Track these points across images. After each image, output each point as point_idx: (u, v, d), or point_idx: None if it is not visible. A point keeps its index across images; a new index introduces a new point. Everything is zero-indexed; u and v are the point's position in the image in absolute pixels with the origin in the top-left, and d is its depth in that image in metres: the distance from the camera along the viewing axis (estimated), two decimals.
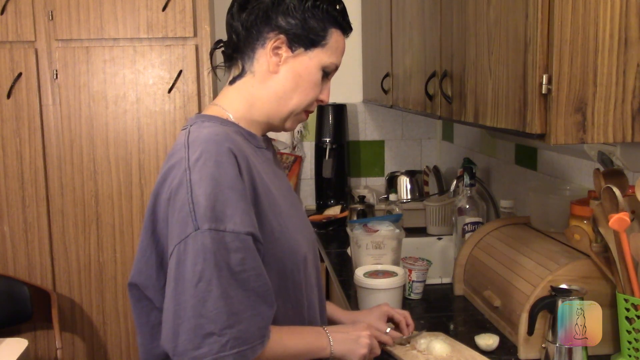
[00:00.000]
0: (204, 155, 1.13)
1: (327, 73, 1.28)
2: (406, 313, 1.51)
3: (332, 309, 1.51)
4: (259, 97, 1.26)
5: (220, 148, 1.14)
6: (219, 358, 1.07)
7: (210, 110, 1.28)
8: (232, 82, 1.29)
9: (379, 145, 3.26)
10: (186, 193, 1.10)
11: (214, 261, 1.07)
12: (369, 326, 1.35)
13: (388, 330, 1.45)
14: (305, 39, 1.23)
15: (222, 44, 1.32)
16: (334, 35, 1.26)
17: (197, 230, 1.08)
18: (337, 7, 1.26)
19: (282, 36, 1.23)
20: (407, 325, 1.49)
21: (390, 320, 1.50)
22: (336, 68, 1.30)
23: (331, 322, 1.48)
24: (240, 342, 1.09)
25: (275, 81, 1.25)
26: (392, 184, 2.97)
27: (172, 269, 1.10)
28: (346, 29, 1.29)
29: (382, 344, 1.40)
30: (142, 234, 1.21)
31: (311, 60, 1.25)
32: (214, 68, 1.36)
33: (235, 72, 1.29)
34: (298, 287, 1.25)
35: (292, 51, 1.24)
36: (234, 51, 1.28)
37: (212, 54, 1.36)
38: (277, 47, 1.23)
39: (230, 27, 1.28)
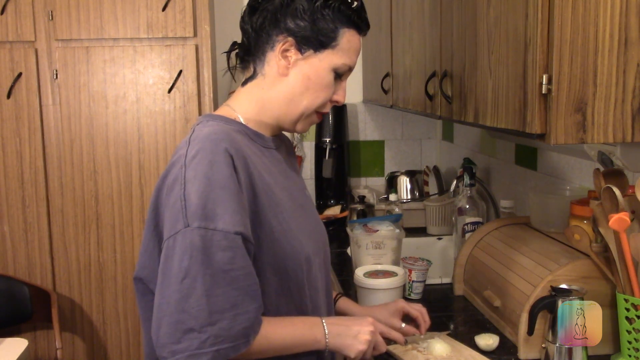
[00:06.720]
0: (200, 153, 1.14)
1: (339, 74, 1.27)
2: (423, 310, 1.48)
3: (347, 304, 1.51)
4: (269, 100, 1.26)
5: (215, 147, 1.14)
6: (197, 354, 1.07)
7: (220, 110, 1.29)
8: (244, 83, 1.30)
9: (379, 145, 3.26)
10: (180, 189, 1.12)
11: (201, 259, 1.08)
12: (375, 322, 1.29)
13: (403, 325, 1.44)
14: (314, 41, 1.23)
15: (236, 46, 1.32)
16: (346, 35, 1.25)
17: (187, 228, 1.09)
18: (353, 5, 1.25)
19: (290, 39, 1.22)
20: (424, 321, 1.47)
21: (406, 316, 1.47)
22: (350, 69, 1.28)
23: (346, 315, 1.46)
24: (221, 340, 1.09)
25: (285, 84, 1.25)
26: (392, 184, 2.97)
27: (161, 263, 1.12)
28: (362, 27, 1.28)
29: (391, 340, 1.37)
30: (145, 229, 1.22)
31: (321, 62, 1.24)
32: (230, 69, 1.35)
33: (247, 74, 1.30)
34: (301, 288, 1.24)
35: (302, 53, 1.23)
36: (246, 54, 1.29)
37: (228, 55, 1.35)
38: (286, 50, 1.23)
39: (242, 29, 1.29)
